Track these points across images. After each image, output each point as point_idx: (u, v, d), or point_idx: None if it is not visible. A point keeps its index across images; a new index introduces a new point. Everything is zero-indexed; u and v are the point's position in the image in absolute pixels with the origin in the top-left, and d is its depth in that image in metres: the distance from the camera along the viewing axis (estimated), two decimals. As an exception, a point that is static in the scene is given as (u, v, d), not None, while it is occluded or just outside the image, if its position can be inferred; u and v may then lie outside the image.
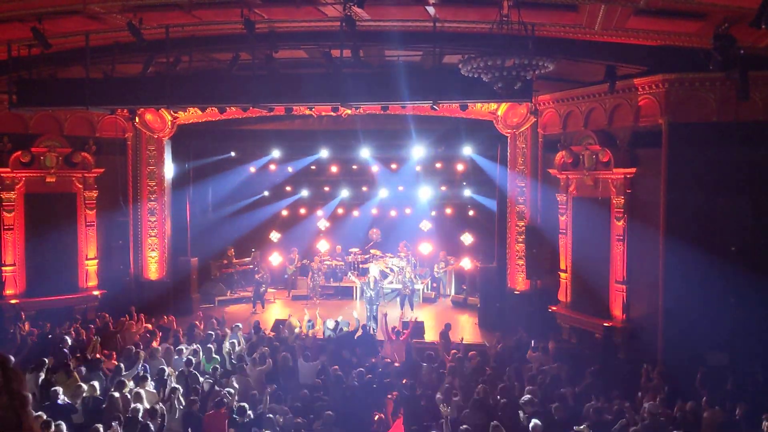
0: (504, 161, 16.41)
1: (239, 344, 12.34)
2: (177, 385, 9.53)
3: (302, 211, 22.56)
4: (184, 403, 9.12)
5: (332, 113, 16.28)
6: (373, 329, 14.27)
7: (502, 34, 8.44)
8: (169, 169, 17.45)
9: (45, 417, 7.66)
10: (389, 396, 11.14)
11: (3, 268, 14.97)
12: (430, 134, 17.21)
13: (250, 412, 8.61)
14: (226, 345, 12.17)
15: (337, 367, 10.89)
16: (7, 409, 1.61)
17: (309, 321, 14.07)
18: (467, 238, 20.52)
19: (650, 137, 12.61)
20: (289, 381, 10.87)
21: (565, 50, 11.46)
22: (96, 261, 16.33)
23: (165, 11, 10.38)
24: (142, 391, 9.26)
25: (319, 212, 22.59)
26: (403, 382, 10.61)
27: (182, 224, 18.04)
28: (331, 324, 13.88)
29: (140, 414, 8.45)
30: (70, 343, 12.03)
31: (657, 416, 8.54)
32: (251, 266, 19.49)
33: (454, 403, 9.37)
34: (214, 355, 11.63)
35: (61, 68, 12.47)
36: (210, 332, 13.11)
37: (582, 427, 8.01)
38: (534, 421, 7.95)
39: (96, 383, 9.62)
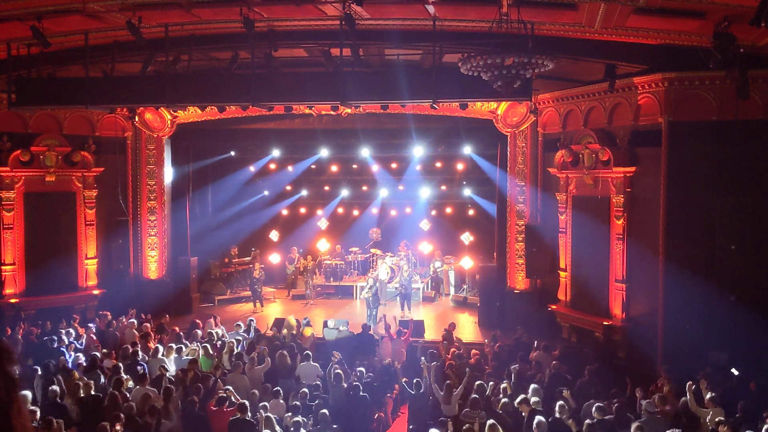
0: (504, 160, 16.41)
1: (239, 343, 12.34)
2: (171, 385, 9.52)
3: (302, 210, 22.55)
4: (184, 402, 9.12)
5: (332, 112, 16.28)
6: (374, 329, 14.26)
7: (502, 33, 8.44)
8: (168, 168, 17.45)
9: (38, 414, 7.66)
10: (389, 395, 11.16)
11: (3, 267, 14.96)
12: (430, 133, 17.19)
13: (250, 411, 8.59)
14: (226, 344, 12.17)
15: (337, 366, 10.89)
16: None
17: (305, 319, 14.05)
18: (467, 237, 20.52)
19: (650, 136, 12.61)
20: (287, 380, 10.86)
21: (564, 49, 11.46)
22: (96, 260, 16.33)
23: (164, 10, 10.37)
24: (142, 390, 9.26)
25: (319, 211, 22.57)
26: (405, 380, 10.62)
27: (182, 223, 18.04)
28: (330, 324, 13.88)
29: (139, 412, 8.45)
30: (67, 342, 12.03)
31: (653, 414, 8.54)
32: (250, 265, 19.49)
33: (454, 401, 9.38)
34: (212, 354, 11.63)
35: (61, 67, 12.47)
36: (210, 331, 13.13)
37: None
38: (538, 418, 7.96)
39: (94, 382, 9.62)
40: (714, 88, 11.91)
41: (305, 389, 10.08)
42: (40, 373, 10.24)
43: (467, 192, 19.95)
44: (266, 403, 8.87)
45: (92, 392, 9.33)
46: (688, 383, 9.03)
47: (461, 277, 19.80)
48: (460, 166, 19.61)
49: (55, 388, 9.03)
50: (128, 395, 9.35)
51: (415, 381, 10.01)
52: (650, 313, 12.67)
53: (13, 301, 14.71)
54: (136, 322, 13.64)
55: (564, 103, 14.93)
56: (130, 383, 9.89)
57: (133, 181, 17.05)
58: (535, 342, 12.42)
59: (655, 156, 12.46)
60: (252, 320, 13.88)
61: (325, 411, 8.68)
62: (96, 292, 16.09)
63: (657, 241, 12.42)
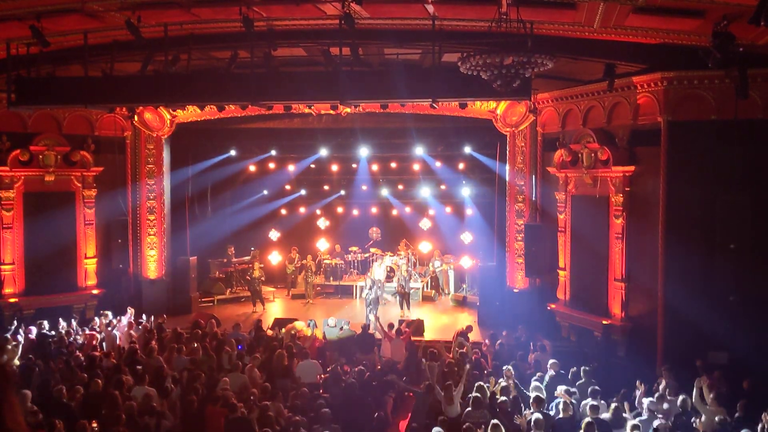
0: (503, 159, 16.42)
1: (239, 342, 12.34)
2: (173, 384, 9.52)
3: (301, 209, 22.55)
4: (183, 402, 9.12)
5: (331, 111, 16.28)
6: (373, 329, 14.26)
7: (501, 32, 8.45)
8: (167, 168, 17.44)
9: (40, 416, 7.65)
10: (390, 394, 11.14)
11: (2, 266, 14.96)
12: (430, 133, 17.21)
13: (245, 410, 8.57)
14: (227, 343, 12.17)
15: (336, 365, 10.89)
16: None
17: (311, 321, 14.06)
18: (467, 237, 20.52)
19: (649, 135, 12.61)
20: (287, 380, 10.85)
21: (563, 48, 11.44)
22: (95, 260, 16.33)
23: (163, 9, 10.36)
24: (141, 389, 9.26)
25: (318, 211, 22.57)
26: (406, 379, 10.63)
27: (181, 222, 18.03)
28: (331, 323, 13.88)
29: (139, 412, 8.45)
30: (67, 342, 12.02)
31: (654, 413, 8.55)
32: (250, 265, 19.50)
33: (455, 401, 9.38)
34: (212, 353, 11.63)
35: (60, 67, 12.44)
36: (207, 331, 13.14)
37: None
38: (536, 416, 7.97)
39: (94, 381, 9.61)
40: (713, 87, 11.90)
41: (305, 389, 10.09)
42: (38, 372, 10.22)
43: (467, 191, 19.97)
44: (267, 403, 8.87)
45: (91, 392, 9.32)
46: (697, 380, 9.07)
47: (461, 277, 19.82)
48: (460, 166, 19.62)
49: (61, 387, 9.02)
50: (128, 395, 9.33)
51: (427, 382, 10.01)
52: (650, 312, 12.68)
53: (12, 300, 14.71)
54: (135, 322, 13.64)
55: (563, 103, 14.93)
56: (130, 383, 9.87)
57: (132, 181, 17.04)
58: (533, 342, 12.42)
59: (655, 155, 12.46)
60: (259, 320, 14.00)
61: (327, 410, 8.68)
62: (95, 291, 16.09)
63: (656, 240, 12.42)
